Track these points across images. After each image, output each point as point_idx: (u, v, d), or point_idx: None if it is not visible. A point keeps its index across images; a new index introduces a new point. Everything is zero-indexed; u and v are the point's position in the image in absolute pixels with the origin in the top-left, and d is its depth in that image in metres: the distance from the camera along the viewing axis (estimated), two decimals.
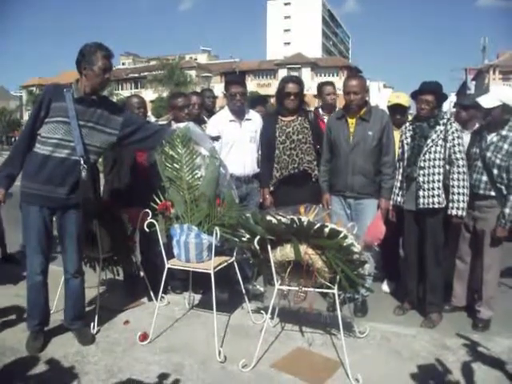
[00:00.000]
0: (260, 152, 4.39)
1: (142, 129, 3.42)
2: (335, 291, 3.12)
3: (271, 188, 4.27)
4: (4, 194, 3.10)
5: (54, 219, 3.29)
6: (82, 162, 3.14)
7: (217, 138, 3.78)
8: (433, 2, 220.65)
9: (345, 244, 2.92)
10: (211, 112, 5.36)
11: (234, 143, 4.26)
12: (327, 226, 2.92)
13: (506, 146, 3.64)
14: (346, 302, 3.62)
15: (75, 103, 3.12)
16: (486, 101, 3.70)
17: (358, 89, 3.87)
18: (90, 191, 3.33)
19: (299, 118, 4.25)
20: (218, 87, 28.76)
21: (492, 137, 3.73)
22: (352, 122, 3.98)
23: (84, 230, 3.42)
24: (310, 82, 46.70)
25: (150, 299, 4.10)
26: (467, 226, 3.91)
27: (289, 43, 77.36)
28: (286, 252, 3.07)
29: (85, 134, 3.16)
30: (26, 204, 3.19)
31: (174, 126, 3.48)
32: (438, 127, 3.77)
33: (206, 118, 4.96)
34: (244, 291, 3.78)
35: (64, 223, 3.28)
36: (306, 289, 3.15)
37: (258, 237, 3.10)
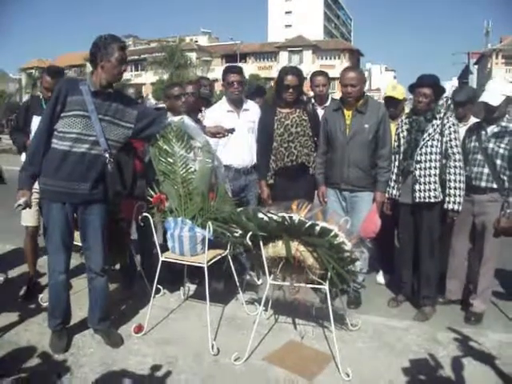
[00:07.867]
0: (257, 143, 4.36)
1: (156, 122, 3.35)
2: (326, 287, 3.13)
3: (269, 180, 4.26)
4: (30, 196, 3.02)
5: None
6: (107, 155, 3.07)
7: (231, 131, 3.72)
8: None
9: (335, 242, 2.94)
10: (208, 100, 5.33)
11: (232, 134, 4.22)
12: (318, 225, 2.92)
13: (508, 136, 3.69)
14: (337, 294, 3.64)
15: (92, 97, 3.03)
16: (493, 99, 3.71)
17: (356, 81, 3.84)
18: (117, 184, 3.30)
19: (297, 111, 4.21)
20: (219, 70, 28.45)
21: (492, 128, 3.76)
22: (348, 114, 3.95)
23: (108, 227, 3.33)
24: (311, 66, 46.40)
25: (146, 290, 4.12)
26: (464, 222, 3.89)
27: (290, 25, 76.22)
28: (277, 248, 3.08)
29: (104, 128, 3.06)
30: (49, 201, 3.11)
31: (169, 119, 3.45)
32: (434, 121, 3.76)
33: (202, 108, 4.92)
34: (238, 283, 3.80)
35: (87, 219, 3.19)
36: (298, 284, 3.18)
37: (250, 233, 3.10)
